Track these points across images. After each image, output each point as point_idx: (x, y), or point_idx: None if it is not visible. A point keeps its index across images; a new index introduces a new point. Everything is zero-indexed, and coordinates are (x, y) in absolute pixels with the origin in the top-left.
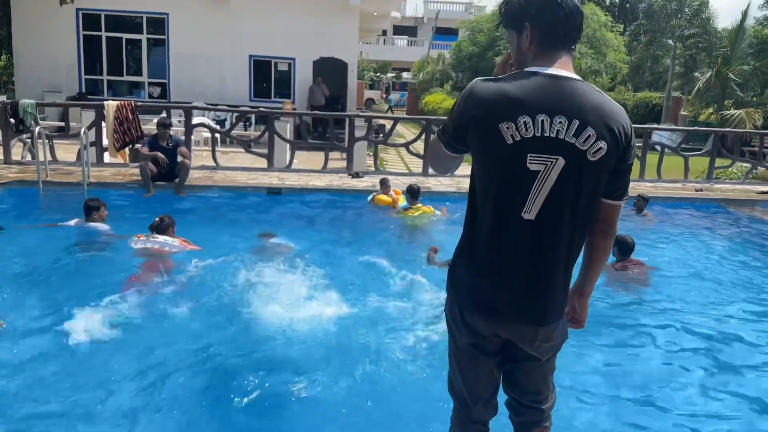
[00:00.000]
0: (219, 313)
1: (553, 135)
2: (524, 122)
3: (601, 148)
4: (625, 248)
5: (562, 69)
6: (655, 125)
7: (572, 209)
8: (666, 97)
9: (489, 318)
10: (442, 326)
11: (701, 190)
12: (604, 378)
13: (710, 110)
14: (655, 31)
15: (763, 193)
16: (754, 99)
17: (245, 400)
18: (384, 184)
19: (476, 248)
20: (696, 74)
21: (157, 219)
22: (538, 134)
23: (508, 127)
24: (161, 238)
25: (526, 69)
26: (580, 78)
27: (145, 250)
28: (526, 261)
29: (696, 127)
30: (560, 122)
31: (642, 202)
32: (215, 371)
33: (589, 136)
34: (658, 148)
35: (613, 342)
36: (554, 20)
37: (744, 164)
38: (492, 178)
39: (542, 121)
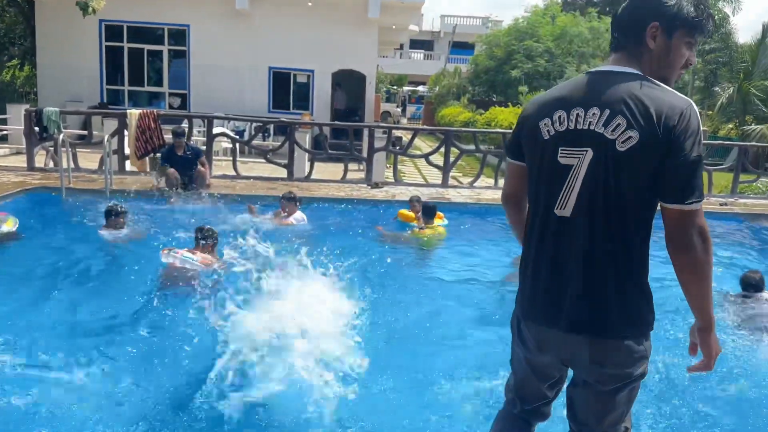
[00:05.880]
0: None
1: (585, 127)
2: (559, 117)
3: (631, 137)
4: None
5: (614, 65)
6: None
7: (607, 205)
8: None
9: (534, 324)
10: None
11: (726, 204)
12: None
13: (730, 125)
14: None
15: None
16: None
17: None
18: (412, 202)
19: (525, 252)
20: (716, 89)
21: (207, 228)
22: (571, 127)
23: (545, 123)
24: (181, 254)
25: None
26: (631, 70)
27: (166, 266)
28: (562, 261)
29: (721, 141)
30: (593, 113)
31: None
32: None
33: (619, 124)
34: None
35: None
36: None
37: None
38: (535, 176)
39: (577, 114)
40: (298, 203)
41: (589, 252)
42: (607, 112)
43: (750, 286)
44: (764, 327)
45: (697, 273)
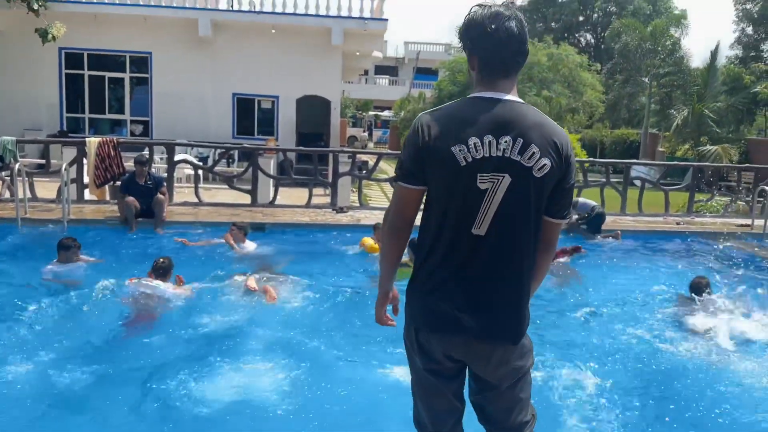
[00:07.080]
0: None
1: (500, 154)
2: (474, 144)
3: (545, 164)
4: None
5: (503, 92)
6: (635, 160)
7: (521, 225)
8: (643, 133)
9: (441, 334)
10: None
11: (682, 223)
12: None
13: (687, 146)
14: (631, 69)
15: (742, 226)
16: (730, 135)
17: None
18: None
19: (429, 268)
20: (672, 111)
21: (160, 260)
22: (487, 155)
23: (460, 150)
24: (153, 283)
25: (468, 96)
26: (521, 100)
27: (135, 296)
28: (476, 276)
29: (676, 162)
30: (506, 141)
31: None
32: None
33: (534, 153)
34: (638, 183)
35: None
36: (489, 48)
37: (723, 198)
38: (446, 198)
39: (489, 142)
40: (246, 232)
41: (504, 267)
42: (520, 141)
43: (696, 290)
44: (704, 328)
45: (548, 269)
